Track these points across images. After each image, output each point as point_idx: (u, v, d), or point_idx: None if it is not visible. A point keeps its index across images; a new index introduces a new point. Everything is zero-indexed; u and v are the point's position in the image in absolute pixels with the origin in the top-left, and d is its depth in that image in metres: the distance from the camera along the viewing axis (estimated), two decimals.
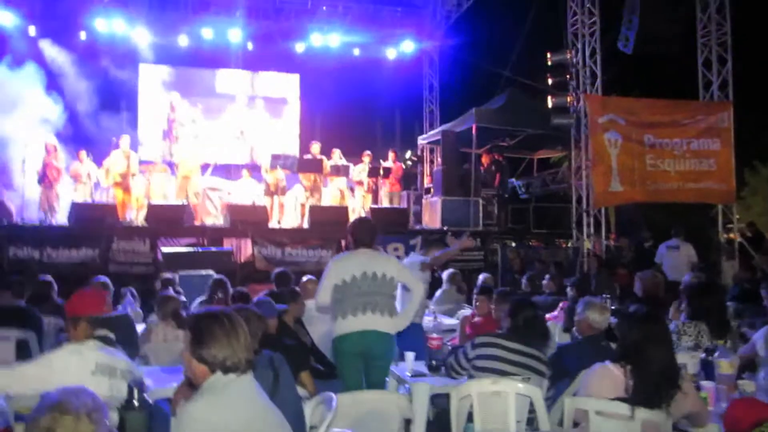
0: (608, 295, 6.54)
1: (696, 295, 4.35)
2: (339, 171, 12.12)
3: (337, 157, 12.22)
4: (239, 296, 4.97)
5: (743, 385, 3.17)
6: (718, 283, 4.86)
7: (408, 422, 3.62)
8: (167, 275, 7.14)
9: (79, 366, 2.80)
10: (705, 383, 3.21)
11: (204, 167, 12.58)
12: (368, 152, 12.59)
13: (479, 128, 12.83)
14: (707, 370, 3.40)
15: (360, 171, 12.37)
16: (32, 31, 13.21)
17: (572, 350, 3.83)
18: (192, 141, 12.43)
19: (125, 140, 11.47)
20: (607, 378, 2.92)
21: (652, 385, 2.81)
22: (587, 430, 2.90)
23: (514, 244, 12.84)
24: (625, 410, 2.78)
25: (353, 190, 12.61)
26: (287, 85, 16.20)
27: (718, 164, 11.60)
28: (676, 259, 9.30)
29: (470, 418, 3.37)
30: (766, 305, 4.47)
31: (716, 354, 3.32)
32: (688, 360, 3.59)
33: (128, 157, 11.29)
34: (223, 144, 14.80)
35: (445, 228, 11.72)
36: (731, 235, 12.28)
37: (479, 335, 3.69)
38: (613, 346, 3.55)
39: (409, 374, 4.04)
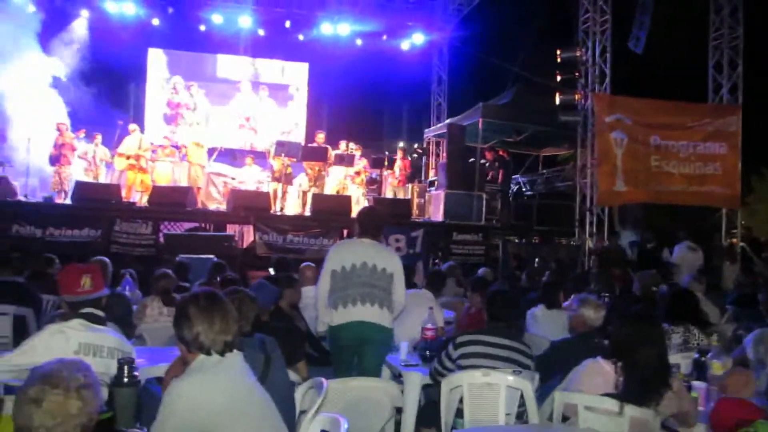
0: (607, 294, 6.54)
1: (672, 301, 4.40)
2: (343, 160, 12.12)
3: (344, 148, 12.25)
4: (226, 282, 4.91)
5: None
6: (690, 291, 4.86)
7: (399, 410, 3.63)
8: (182, 259, 7.10)
9: (61, 346, 2.77)
10: (696, 383, 3.21)
11: (210, 152, 12.60)
12: (357, 146, 12.64)
13: (485, 123, 12.81)
14: (700, 370, 3.40)
15: (362, 162, 12.43)
16: (30, 7, 13.10)
17: (565, 346, 3.82)
18: (197, 126, 12.45)
19: (132, 125, 11.63)
20: (597, 374, 2.92)
21: (642, 383, 2.82)
22: (576, 424, 2.90)
23: (516, 240, 12.85)
24: (614, 406, 2.78)
25: (353, 179, 12.63)
26: (296, 73, 16.20)
27: (723, 168, 11.55)
28: (697, 260, 9.30)
29: (459, 413, 3.38)
30: (761, 310, 4.46)
31: (709, 355, 3.32)
32: (681, 360, 3.59)
33: (140, 140, 11.38)
34: (228, 130, 14.80)
35: (447, 221, 11.71)
36: (734, 240, 12.24)
37: (462, 333, 3.66)
38: (606, 343, 3.55)
39: (403, 364, 4.05)
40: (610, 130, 11.09)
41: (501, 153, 13.67)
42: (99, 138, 11.47)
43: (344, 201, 11.33)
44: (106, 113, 12.54)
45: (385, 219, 4.54)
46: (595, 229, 11.52)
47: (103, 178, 11.55)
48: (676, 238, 9.89)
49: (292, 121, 15.78)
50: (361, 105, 16.03)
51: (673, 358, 3.56)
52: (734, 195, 11.75)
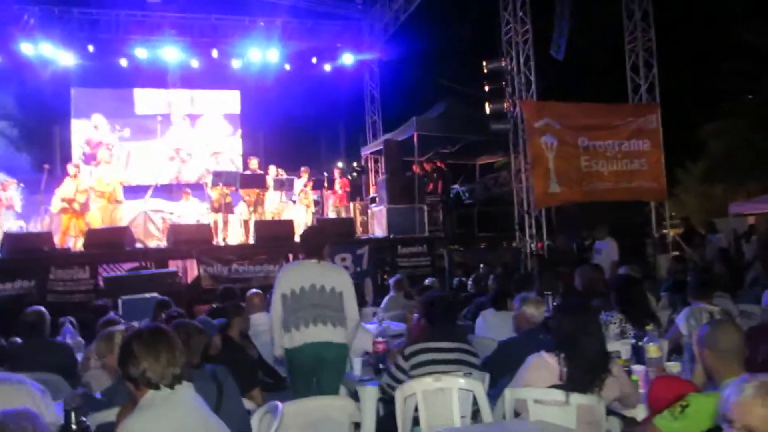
0: (550, 293, 6.74)
1: (619, 289, 4.57)
2: (283, 185, 12.09)
3: (274, 173, 12.22)
4: (171, 319, 4.80)
5: (670, 367, 3.36)
6: (638, 277, 5.10)
7: (357, 425, 3.66)
8: (98, 302, 6.90)
9: None
10: (636, 367, 3.37)
11: (145, 189, 12.35)
12: (305, 168, 12.65)
13: (420, 137, 13.04)
14: (638, 355, 3.57)
15: (301, 184, 12.43)
16: None
17: (512, 345, 3.94)
18: (117, 164, 12.07)
19: (72, 167, 11.21)
20: (542, 367, 3.05)
21: (585, 372, 2.95)
22: (527, 418, 3.01)
23: (460, 249, 13.07)
24: (561, 396, 2.91)
25: (295, 203, 12.61)
26: (227, 102, 16.08)
27: (648, 164, 12.12)
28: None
29: (416, 421, 3.44)
30: (688, 292, 4.74)
31: (645, 339, 3.50)
32: (620, 347, 3.76)
33: (79, 183, 10.98)
34: (157, 164, 14.55)
35: (391, 236, 11.83)
36: (665, 231, 12.81)
37: (409, 344, 3.75)
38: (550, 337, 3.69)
39: (357, 379, 4.08)
40: (540, 134, 11.47)
41: (438, 164, 13.93)
42: (10, 183, 11.01)
43: (287, 225, 11.28)
44: (28, 159, 12.11)
45: (325, 237, 4.58)
46: (534, 231, 11.86)
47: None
48: (595, 235, 10.14)
49: (224, 150, 15.62)
50: (296, 128, 16.00)
51: (613, 345, 3.73)
52: (660, 188, 12.33)
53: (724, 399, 1.71)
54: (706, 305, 4.30)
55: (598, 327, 3.21)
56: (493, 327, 5.03)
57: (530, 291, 4.95)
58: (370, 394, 3.89)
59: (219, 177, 11.52)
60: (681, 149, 18.69)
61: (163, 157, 14.77)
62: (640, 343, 3.54)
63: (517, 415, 3.13)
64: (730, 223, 14.52)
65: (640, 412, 3.05)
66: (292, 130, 15.78)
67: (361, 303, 7.05)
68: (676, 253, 11.72)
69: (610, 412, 3.10)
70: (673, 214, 13.79)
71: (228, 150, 15.66)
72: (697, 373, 2.71)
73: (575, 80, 16.41)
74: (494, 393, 3.57)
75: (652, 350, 3.41)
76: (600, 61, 17.05)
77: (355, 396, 4.04)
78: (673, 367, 3.36)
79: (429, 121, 13.53)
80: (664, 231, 12.85)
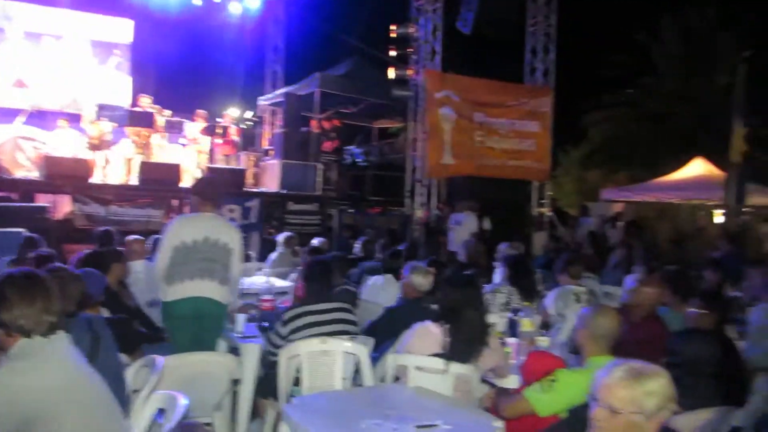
0: (434, 260, 6.96)
1: (511, 265, 4.88)
2: (173, 127, 11.49)
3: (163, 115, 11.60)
4: (41, 259, 4.49)
5: (539, 341, 3.61)
6: (527, 257, 5.49)
7: (236, 382, 3.63)
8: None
9: None
10: (510, 339, 3.59)
11: (15, 113, 11.24)
12: (202, 111, 12.07)
13: (322, 93, 12.86)
14: (513, 328, 3.80)
15: (195, 128, 11.85)
16: None
17: (398, 311, 4.05)
18: None
19: None
20: (426, 336, 3.16)
21: (466, 343, 3.10)
22: (406, 383, 3.12)
23: (351, 210, 13.15)
24: (441, 365, 3.04)
25: (185, 146, 12.04)
26: (119, 30, 14.85)
27: (537, 145, 12.75)
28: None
29: (296, 381, 3.47)
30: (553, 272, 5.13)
31: (520, 314, 3.72)
32: (497, 319, 3.98)
33: None
34: (38, 89, 13.23)
35: (284, 191, 11.66)
36: (541, 210, 13.60)
37: (287, 309, 3.76)
38: (435, 307, 3.83)
39: (239, 335, 4.03)
40: (440, 105, 11.69)
41: (337, 123, 13.83)
42: None
43: (173, 169, 10.79)
44: None
45: (223, 188, 4.46)
46: (425, 200, 12.16)
47: None
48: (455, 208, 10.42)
49: (120, 84, 14.48)
50: (191, 69, 15.15)
51: (491, 317, 3.94)
52: (545, 169, 13.04)
53: (595, 379, 1.86)
54: (573, 286, 4.63)
55: (482, 301, 3.37)
56: (381, 292, 5.13)
57: (420, 260, 5.08)
58: (252, 351, 3.87)
59: (104, 110, 10.72)
60: (564, 133, 19.70)
61: (47, 82, 13.39)
62: (515, 317, 3.76)
63: (396, 379, 3.24)
64: (599, 207, 15.63)
65: (511, 382, 3.26)
66: (187, 70, 14.90)
67: (246, 257, 6.97)
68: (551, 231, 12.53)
69: (483, 380, 3.28)
70: (551, 194, 14.60)
71: (115, 83, 14.50)
72: None
73: (478, 56, 16.76)
74: (375, 356, 3.67)
75: (526, 324, 3.64)
76: (503, 40, 17.50)
77: (235, 353, 4.00)
78: (542, 341, 3.61)
79: (333, 79, 13.35)
80: (541, 210, 13.64)
